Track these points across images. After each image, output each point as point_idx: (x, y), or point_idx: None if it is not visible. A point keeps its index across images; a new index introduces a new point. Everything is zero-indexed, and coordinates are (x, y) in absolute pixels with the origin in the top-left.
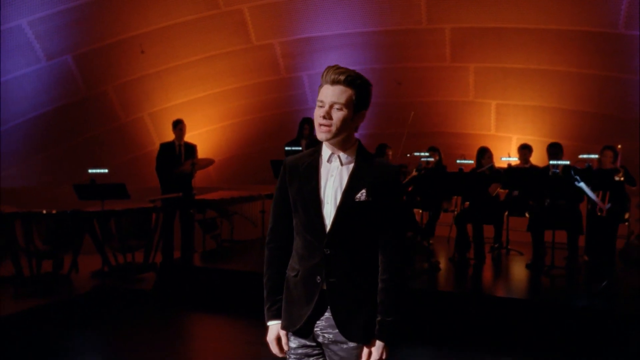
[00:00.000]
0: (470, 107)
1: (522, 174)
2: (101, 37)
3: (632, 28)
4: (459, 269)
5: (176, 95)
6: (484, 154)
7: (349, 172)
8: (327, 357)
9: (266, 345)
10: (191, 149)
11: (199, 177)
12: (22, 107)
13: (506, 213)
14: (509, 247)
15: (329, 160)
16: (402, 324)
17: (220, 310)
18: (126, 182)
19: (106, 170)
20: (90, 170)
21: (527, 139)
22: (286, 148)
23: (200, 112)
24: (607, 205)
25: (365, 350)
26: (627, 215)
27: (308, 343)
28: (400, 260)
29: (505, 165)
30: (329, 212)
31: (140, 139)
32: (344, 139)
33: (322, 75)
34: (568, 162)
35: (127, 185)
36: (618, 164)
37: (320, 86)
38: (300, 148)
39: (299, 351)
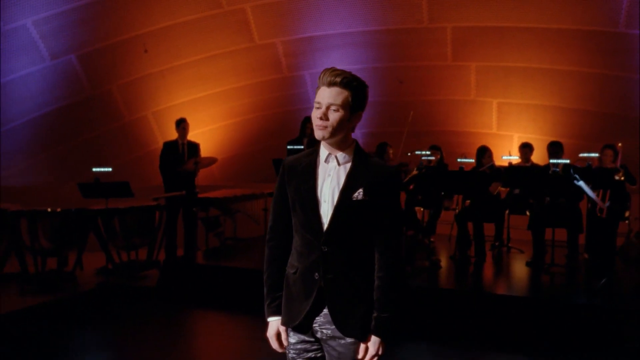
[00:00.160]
0: (471, 106)
1: (523, 172)
2: (105, 36)
3: (633, 27)
4: (460, 266)
5: (179, 94)
6: (484, 153)
7: (346, 172)
8: (325, 353)
9: (266, 341)
10: (194, 147)
11: (202, 176)
12: (26, 106)
13: (507, 211)
14: (509, 245)
15: (326, 161)
16: (398, 320)
17: (222, 307)
18: (130, 181)
19: (110, 169)
20: (94, 169)
21: (529, 137)
22: (288, 146)
23: (203, 110)
24: (607, 204)
25: (362, 346)
26: (627, 214)
27: (307, 338)
28: (396, 258)
29: (506, 164)
30: (326, 211)
31: (143, 138)
32: (341, 139)
33: (319, 77)
34: (568, 161)
35: (130, 184)
36: (618, 162)
37: (318, 88)
38: (302, 147)
39: (298, 346)
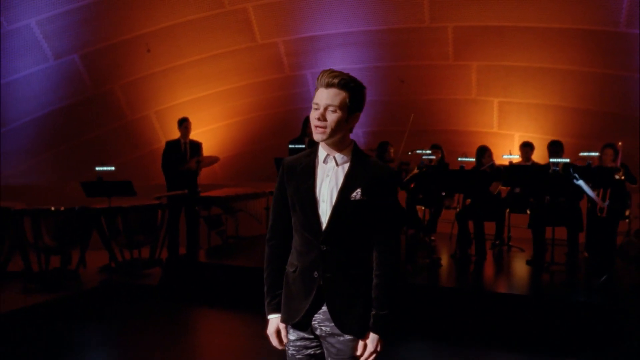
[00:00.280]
0: (472, 105)
1: (523, 171)
2: (108, 36)
3: (633, 26)
4: (461, 265)
5: (182, 93)
6: (484, 152)
7: (345, 172)
8: (324, 349)
9: (266, 338)
10: (196, 146)
11: (204, 175)
12: (30, 105)
13: (507, 210)
14: (510, 243)
15: (324, 161)
16: (396, 317)
17: (225, 305)
18: (132, 180)
19: (113, 168)
20: (97, 168)
21: (530, 136)
22: (290, 146)
23: (206, 110)
24: (606, 203)
25: (361, 343)
26: (627, 212)
27: (306, 336)
28: (394, 256)
29: (506, 163)
30: (325, 211)
31: (146, 137)
32: (339, 140)
33: (317, 79)
34: (568, 160)
35: (133, 183)
36: (618, 162)
37: (316, 89)
38: (303, 146)
39: (298, 343)
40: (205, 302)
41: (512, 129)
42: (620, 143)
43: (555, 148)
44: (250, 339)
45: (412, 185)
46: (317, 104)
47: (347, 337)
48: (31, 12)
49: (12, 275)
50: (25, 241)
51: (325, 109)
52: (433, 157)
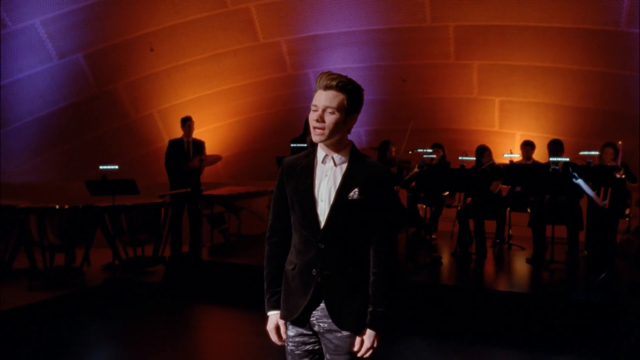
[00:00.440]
0: (474, 104)
1: (523, 170)
2: (111, 36)
3: (634, 26)
4: (461, 263)
5: (185, 92)
6: (484, 152)
7: (342, 172)
8: (322, 345)
9: (266, 334)
10: (199, 145)
11: (207, 173)
12: (34, 104)
13: (508, 209)
14: (510, 242)
15: (323, 162)
16: (393, 314)
17: (227, 302)
18: (136, 178)
19: (116, 167)
20: (101, 167)
21: (531, 135)
22: (292, 144)
23: (208, 109)
24: (605, 201)
25: (358, 339)
26: (627, 211)
27: (305, 332)
28: (391, 254)
29: (507, 162)
30: (323, 210)
31: (149, 136)
32: (337, 140)
33: (316, 81)
34: (568, 159)
35: (136, 181)
36: (619, 160)
37: (315, 91)
38: (305, 145)
39: (297, 339)
40: (208, 299)
41: (513, 128)
42: (620, 142)
43: (555, 147)
44: (252, 336)
45: (413, 184)
46: (315, 105)
47: (345, 333)
48: (35, 12)
49: (17, 272)
50: (30, 239)
51: (324, 110)
52: (434, 156)
